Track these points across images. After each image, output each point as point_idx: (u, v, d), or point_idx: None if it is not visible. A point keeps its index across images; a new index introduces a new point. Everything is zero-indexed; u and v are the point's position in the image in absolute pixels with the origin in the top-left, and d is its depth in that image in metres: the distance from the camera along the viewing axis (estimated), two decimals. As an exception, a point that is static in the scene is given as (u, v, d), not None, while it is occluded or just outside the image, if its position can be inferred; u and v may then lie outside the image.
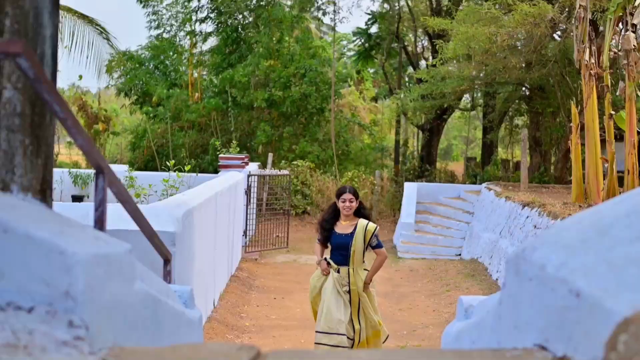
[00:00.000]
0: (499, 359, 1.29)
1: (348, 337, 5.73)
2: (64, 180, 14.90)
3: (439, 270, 11.46)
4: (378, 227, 5.98)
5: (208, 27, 22.82)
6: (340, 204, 5.90)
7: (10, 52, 1.55)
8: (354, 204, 5.89)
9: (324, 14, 24.10)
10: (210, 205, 7.27)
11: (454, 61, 17.25)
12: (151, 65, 22.08)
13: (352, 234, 5.83)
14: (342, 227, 5.93)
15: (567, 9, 14.84)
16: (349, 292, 5.81)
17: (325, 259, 5.95)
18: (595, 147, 9.73)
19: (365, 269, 5.92)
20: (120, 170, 14.00)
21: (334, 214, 6.02)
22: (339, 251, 5.87)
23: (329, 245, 6.08)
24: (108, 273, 1.61)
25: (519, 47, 15.56)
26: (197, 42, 22.56)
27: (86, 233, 1.73)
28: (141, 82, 21.55)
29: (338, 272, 5.86)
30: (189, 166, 9.02)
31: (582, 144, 10.82)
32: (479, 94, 22.59)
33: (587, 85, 9.81)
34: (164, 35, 22.31)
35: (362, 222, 5.88)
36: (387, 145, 25.66)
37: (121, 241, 1.84)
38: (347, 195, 5.89)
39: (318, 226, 6.14)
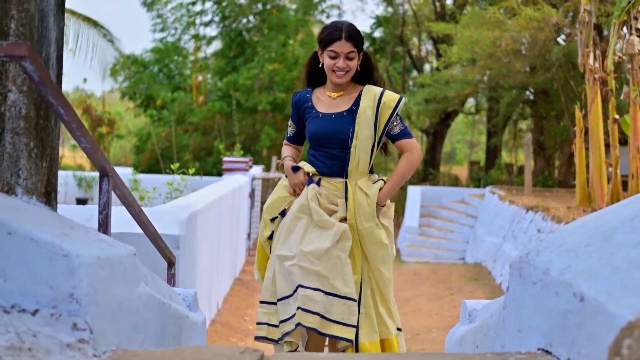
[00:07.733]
0: (503, 363, 1.29)
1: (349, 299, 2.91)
2: (68, 183, 14.93)
3: (442, 274, 11.43)
4: (404, 100, 3.08)
5: (212, 30, 22.91)
6: (327, 61, 2.98)
7: (16, 55, 1.56)
8: (354, 62, 2.99)
9: (328, 17, 24.14)
10: (214, 208, 7.27)
11: (458, 65, 17.25)
12: (155, 69, 22.15)
13: (352, 113, 3.02)
14: (329, 103, 3.08)
15: (571, 13, 14.84)
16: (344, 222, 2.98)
17: (296, 162, 3.20)
18: (599, 151, 9.70)
19: (376, 182, 3.09)
20: (124, 173, 13.99)
21: (315, 77, 3.15)
22: (325, 149, 3.05)
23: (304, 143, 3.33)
24: (112, 276, 1.61)
25: (523, 52, 15.54)
26: (201, 45, 22.62)
27: (90, 236, 1.73)
28: (145, 86, 21.62)
29: (319, 184, 3.04)
30: (193, 169, 8.98)
31: (586, 148, 10.78)
32: (483, 98, 22.57)
33: (591, 90, 9.79)
34: (169, 38, 22.38)
35: (371, 89, 3.05)
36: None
37: (125, 244, 1.84)
38: (342, 45, 2.93)
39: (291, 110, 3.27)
